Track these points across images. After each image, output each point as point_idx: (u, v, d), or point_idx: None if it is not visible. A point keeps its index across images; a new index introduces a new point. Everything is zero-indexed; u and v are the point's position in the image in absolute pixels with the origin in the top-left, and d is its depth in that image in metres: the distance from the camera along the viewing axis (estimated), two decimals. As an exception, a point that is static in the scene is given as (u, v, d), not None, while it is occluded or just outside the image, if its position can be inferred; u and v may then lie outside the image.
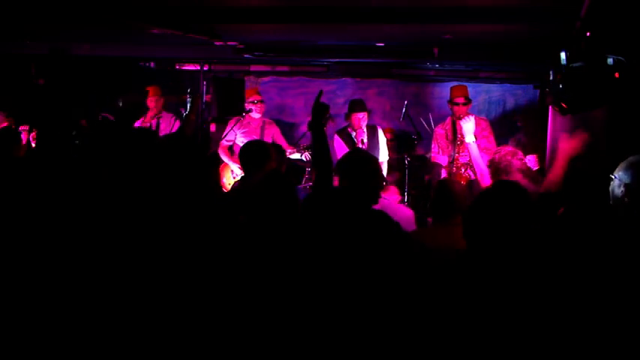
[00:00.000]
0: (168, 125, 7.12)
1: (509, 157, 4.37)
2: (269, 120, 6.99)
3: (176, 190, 2.62)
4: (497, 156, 4.47)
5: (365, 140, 6.13)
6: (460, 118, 5.75)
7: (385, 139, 6.31)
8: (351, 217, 2.79)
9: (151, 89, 7.13)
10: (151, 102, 7.05)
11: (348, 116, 6.24)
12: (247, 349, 2.42)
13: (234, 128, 6.78)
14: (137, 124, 7.04)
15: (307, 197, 3.02)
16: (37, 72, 7.56)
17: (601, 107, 4.16)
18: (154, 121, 7.06)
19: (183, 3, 4.24)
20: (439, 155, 6.02)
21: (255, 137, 6.50)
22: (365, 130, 6.20)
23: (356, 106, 6.18)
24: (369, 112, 6.32)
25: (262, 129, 6.76)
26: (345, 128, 6.28)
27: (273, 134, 6.80)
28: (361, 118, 6.13)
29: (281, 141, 6.73)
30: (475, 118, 5.94)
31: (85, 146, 3.36)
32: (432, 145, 6.14)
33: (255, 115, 6.73)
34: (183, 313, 2.42)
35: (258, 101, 6.76)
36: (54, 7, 4.20)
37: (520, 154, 4.51)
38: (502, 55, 5.94)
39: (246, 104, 6.71)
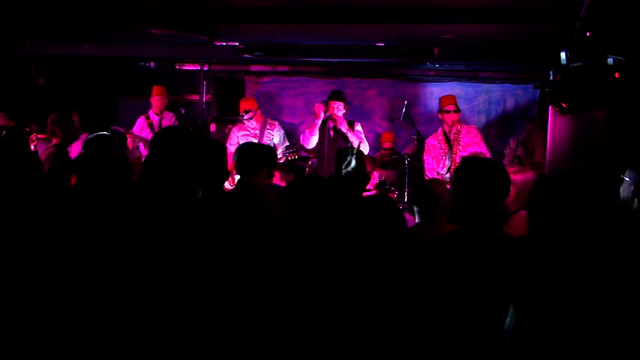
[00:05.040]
0: (169, 124, 7.13)
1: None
2: (271, 121, 6.86)
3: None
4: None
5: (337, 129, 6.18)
6: (453, 126, 5.84)
7: (357, 133, 6.23)
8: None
9: (156, 88, 7.12)
10: (156, 101, 7.05)
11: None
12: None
13: (233, 130, 6.72)
14: (139, 121, 7.06)
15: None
16: (37, 72, 7.60)
17: (601, 107, 4.17)
18: (155, 119, 7.06)
19: (183, 3, 4.24)
20: (433, 167, 6.00)
21: (254, 139, 6.45)
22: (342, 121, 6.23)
23: (331, 94, 6.27)
24: (347, 104, 6.24)
25: (262, 130, 6.69)
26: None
27: (274, 137, 6.69)
28: (335, 107, 6.14)
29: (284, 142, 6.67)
30: (465, 127, 6.01)
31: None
32: (425, 157, 6.10)
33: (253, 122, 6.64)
34: (177, 312, 2.43)
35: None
36: (54, 8, 4.19)
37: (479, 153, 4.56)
38: (502, 55, 5.94)
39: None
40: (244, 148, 4.03)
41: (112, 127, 6.60)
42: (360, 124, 6.34)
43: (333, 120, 6.19)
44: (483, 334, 2.34)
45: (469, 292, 2.37)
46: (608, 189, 2.84)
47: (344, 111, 6.21)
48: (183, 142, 2.59)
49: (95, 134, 3.32)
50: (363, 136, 6.24)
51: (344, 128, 6.14)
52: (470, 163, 2.67)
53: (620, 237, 2.50)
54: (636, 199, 2.65)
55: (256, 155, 3.92)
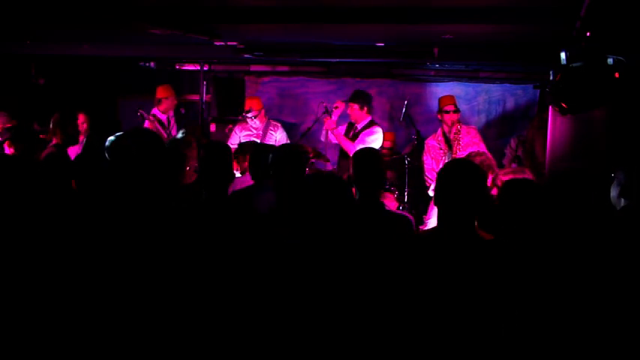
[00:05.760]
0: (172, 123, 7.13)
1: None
2: (274, 122, 6.95)
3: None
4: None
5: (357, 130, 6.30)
6: (452, 126, 5.86)
7: (376, 138, 6.27)
8: None
9: (167, 88, 7.08)
10: (170, 101, 7.02)
11: None
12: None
13: (235, 130, 6.75)
14: (146, 124, 7.04)
15: None
16: (37, 72, 7.60)
17: (601, 107, 4.17)
18: (163, 117, 7.03)
19: (183, 3, 4.24)
20: (433, 167, 6.00)
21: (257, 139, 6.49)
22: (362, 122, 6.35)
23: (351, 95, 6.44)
24: (362, 106, 6.32)
25: (265, 130, 6.71)
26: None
27: (277, 139, 6.72)
28: (349, 108, 6.30)
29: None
30: (465, 127, 6.02)
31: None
32: (424, 158, 6.11)
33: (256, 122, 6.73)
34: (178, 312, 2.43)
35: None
36: (54, 8, 4.19)
37: (482, 153, 4.59)
38: (502, 55, 5.95)
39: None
40: (289, 150, 3.82)
41: (140, 111, 6.66)
42: (378, 127, 6.37)
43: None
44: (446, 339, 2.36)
45: (435, 290, 2.41)
46: (604, 189, 2.86)
47: (361, 112, 6.30)
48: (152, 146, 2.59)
49: (117, 136, 3.28)
50: (367, 138, 6.22)
51: (326, 126, 6.30)
52: (449, 164, 2.74)
53: (599, 236, 2.53)
54: (622, 199, 2.67)
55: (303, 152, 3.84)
